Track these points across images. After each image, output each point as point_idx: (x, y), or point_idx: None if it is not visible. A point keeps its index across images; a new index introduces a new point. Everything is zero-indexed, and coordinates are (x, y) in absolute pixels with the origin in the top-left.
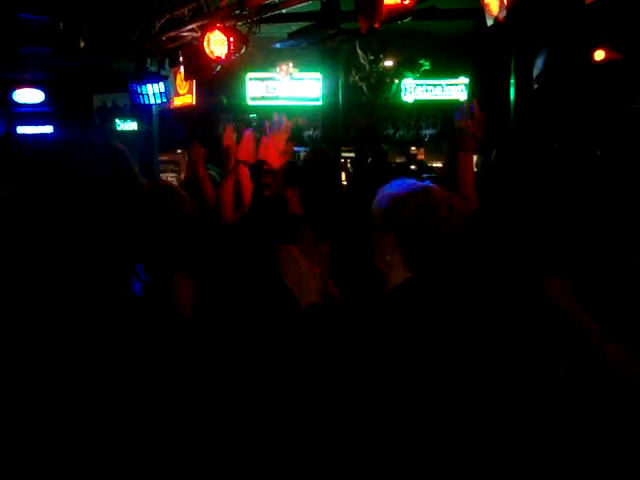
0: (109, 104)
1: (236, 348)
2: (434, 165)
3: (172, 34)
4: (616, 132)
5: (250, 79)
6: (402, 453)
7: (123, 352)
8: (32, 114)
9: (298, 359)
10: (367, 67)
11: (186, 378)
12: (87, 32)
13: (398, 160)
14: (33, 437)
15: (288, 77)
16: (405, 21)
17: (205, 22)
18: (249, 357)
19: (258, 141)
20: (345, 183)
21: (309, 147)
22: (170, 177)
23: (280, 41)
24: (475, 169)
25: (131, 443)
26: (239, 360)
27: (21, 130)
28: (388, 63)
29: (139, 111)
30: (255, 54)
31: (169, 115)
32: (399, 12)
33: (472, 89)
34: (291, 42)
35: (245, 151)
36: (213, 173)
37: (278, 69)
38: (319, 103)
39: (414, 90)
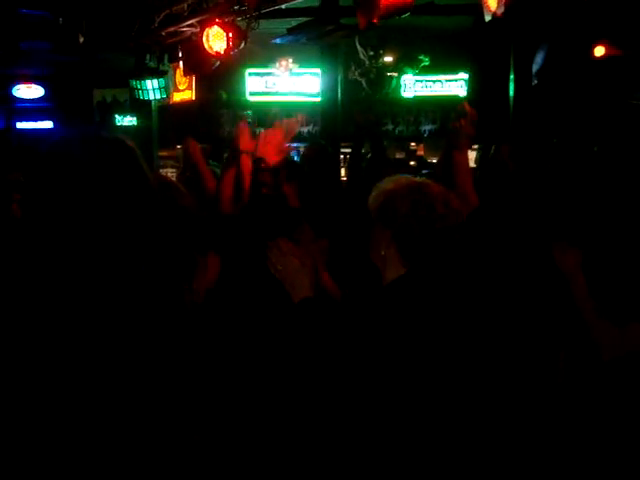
0: (109, 99)
1: (230, 342)
2: (434, 161)
3: (171, 29)
4: (615, 128)
5: (249, 74)
6: (399, 449)
7: (127, 346)
8: (32, 109)
9: (292, 354)
10: (366, 63)
11: (183, 374)
12: (86, 27)
13: (398, 156)
14: (38, 424)
15: (287, 73)
16: (404, 17)
17: (204, 17)
18: (243, 351)
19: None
20: (344, 179)
21: (308, 143)
22: (170, 173)
23: (279, 36)
24: (472, 165)
25: (133, 436)
26: (233, 353)
27: (21, 125)
28: (387, 59)
29: (139, 106)
30: (254, 49)
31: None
32: (397, 8)
33: (471, 85)
34: (290, 38)
35: (247, 141)
36: (215, 169)
37: (277, 64)
38: (318, 99)
39: (413, 86)
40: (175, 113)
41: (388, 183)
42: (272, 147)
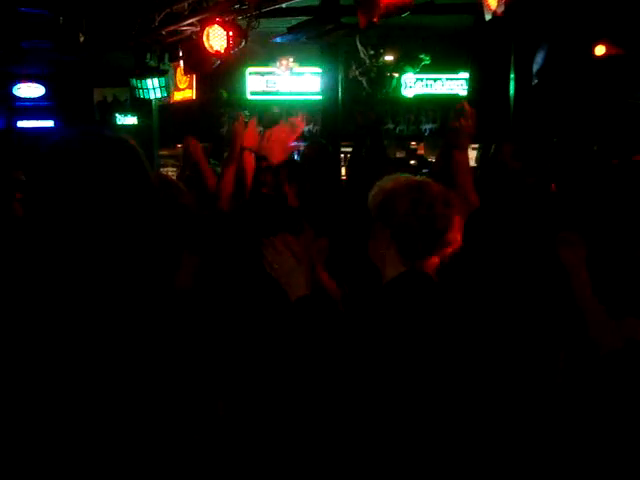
0: (109, 98)
1: (228, 341)
2: (434, 160)
3: (172, 28)
4: (616, 127)
5: (250, 73)
6: (398, 448)
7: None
8: (33, 108)
9: (289, 353)
10: (367, 62)
11: (183, 374)
12: (87, 26)
13: (398, 155)
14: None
15: (288, 72)
16: (404, 16)
17: (204, 16)
18: (241, 349)
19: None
20: (345, 178)
21: (308, 142)
22: (170, 172)
23: (279, 35)
24: (472, 164)
25: (133, 436)
26: (231, 352)
27: (22, 124)
28: (388, 58)
29: (139, 105)
30: (255, 48)
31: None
32: (398, 7)
33: (472, 84)
34: (290, 36)
35: (251, 138)
36: (216, 168)
37: (278, 64)
38: (319, 98)
39: (414, 85)
40: (176, 112)
41: (388, 182)
42: (277, 146)
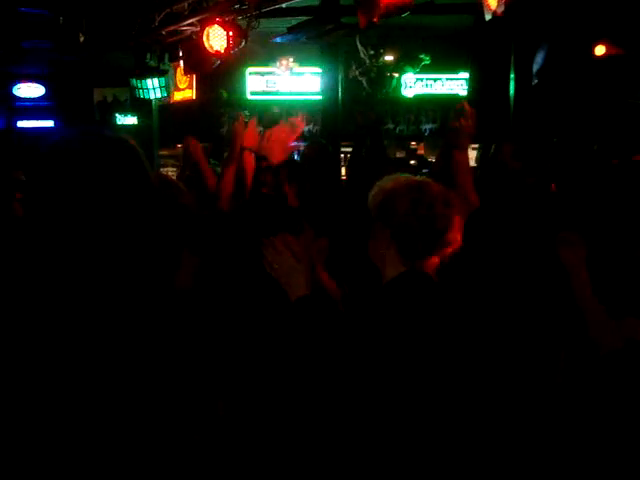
0: (109, 98)
1: (228, 341)
2: (434, 160)
3: (172, 28)
4: (616, 127)
5: (250, 73)
6: (398, 447)
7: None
8: (33, 108)
9: (289, 353)
10: (367, 62)
11: (182, 374)
12: (87, 26)
13: (398, 155)
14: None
15: (288, 72)
16: (404, 16)
17: (204, 16)
18: (241, 350)
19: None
20: (345, 178)
21: (308, 142)
22: (170, 172)
23: (279, 35)
24: (472, 164)
25: (132, 436)
26: (231, 352)
27: (22, 124)
28: (388, 58)
29: (139, 105)
30: (255, 48)
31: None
32: (398, 7)
33: (472, 84)
34: (290, 36)
35: (251, 138)
36: (216, 168)
37: (278, 64)
38: (319, 98)
39: (414, 85)
40: (176, 112)
41: (387, 182)
42: (277, 146)
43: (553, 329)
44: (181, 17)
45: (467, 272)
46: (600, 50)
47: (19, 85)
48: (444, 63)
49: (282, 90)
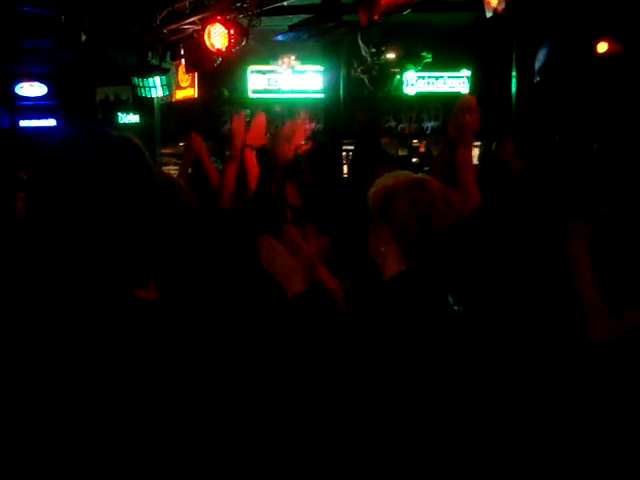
0: (111, 97)
1: (227, 339)
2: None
3: (173, 27)
4: (618, 125)
5: (252, 72)
6: (398, 447)
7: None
8: (35, 107)
9: (287, 351)
10: (369, 60)
11: (182, 373)
12: (88, 25)
13: (400, 153)
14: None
15: (290, 70)
16: (406, 13)
17: (206, 15)
18: (240, 348)
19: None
20: (346, 175)
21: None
22: (172, 170)
23: (281, 33)
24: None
25: (132, 435)
26: (230, 350)
27: (24, 123)
28: (390, 56)
29: (141, 104)
30: (256, 47)
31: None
32: (399, 4)
33: (474, 82)
34: (291, 35)
35: (255, 135)
36: (218, 166)
37: (280, 62)
38: (321, 96)
39: (416, 82)
40: (178, 110)
41: (388, 179)
42: (284, 145)
43: (555, 326)
44: (182, 15)
45: (469, 269)
46: (602, 47)
47: (21, 84)
48: (446, 61)
49: (284, 88)
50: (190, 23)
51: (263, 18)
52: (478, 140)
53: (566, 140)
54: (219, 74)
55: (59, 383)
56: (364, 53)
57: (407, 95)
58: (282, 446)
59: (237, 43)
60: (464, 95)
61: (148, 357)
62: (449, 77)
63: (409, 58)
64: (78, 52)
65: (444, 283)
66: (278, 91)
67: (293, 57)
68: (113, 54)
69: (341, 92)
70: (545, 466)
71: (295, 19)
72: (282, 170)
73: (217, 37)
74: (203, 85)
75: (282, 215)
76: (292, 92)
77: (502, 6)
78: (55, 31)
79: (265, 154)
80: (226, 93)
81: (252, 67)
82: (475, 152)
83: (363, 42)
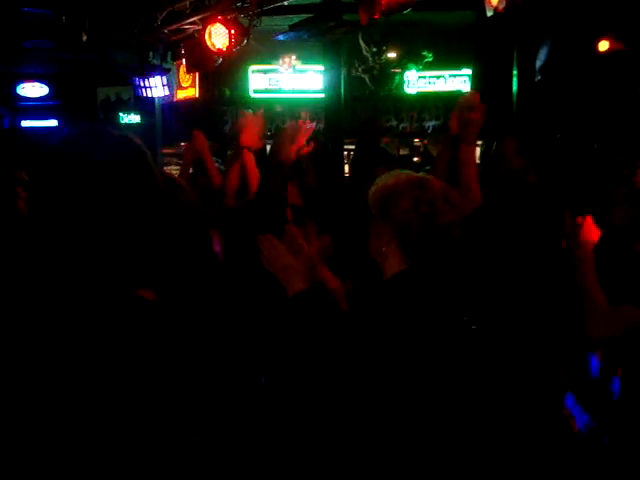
0: (113, 97)
1: (228, 338)
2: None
3: (174, 27)
4: (620, 123)
5: (253, 71)
6: (398, 446)
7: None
8: (36, 108)
9: (288, 350)
10: (370, 59)
11: (182, 373)
12: (89, 25)
13: (402, 152)
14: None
15: (291, 70)
16: (406, 12)
17: (206, 15)
18: (241, 347)
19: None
20: (348, 175)
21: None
22: (174, 170)
23: (281, 33)
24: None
25: (132, 435)
26: (231, 350)
27: (26, 124)
28: (391, 55)
29: (142, 104)
30: (257, 46)
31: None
32: (399, 4)
33: (474, 81)
34: (292, 34)
35: (250, 136)
36: (220, 166)
37: (281, 61)
38: (322, 95)
39: (417, 82)
40: (179, 110)
41: (388, 178)
42: (287, 146)
43: (556, 325)
44: (183, 16)
45: (470, 269)
46: (604, 46)
47: (23, 85)
48: (447, 60)
49: (285, 88)
50: (191, 23)
51: (264, 18)
52: (479, 139)
53: (567, 139)
54: (220, 74)
55: (61, 380)
56: (365, 52)
57: (408, 94)
58: (282, 443)
59: (238, 43)
60: (467, 92)
61: (150, 356)
62: (450, 76)
63: (410, 57)
64: (79, 52)
65: (445, 282)
66: (279, 91)
67: (294, 57)
68: (114, 54)
69: (342, 91)
70: (545, 466)
71: (296, 19)
72: (287, 170)
73: (218, 37)
74: (204, 85)
75: (283, 215)
76: (293, 92)
77: (503, 5)
78: (56, 31)
79: (265, 155)
80: (227, 93)
81: (253, 67)
82: (477, 151)
83: (364, 41)
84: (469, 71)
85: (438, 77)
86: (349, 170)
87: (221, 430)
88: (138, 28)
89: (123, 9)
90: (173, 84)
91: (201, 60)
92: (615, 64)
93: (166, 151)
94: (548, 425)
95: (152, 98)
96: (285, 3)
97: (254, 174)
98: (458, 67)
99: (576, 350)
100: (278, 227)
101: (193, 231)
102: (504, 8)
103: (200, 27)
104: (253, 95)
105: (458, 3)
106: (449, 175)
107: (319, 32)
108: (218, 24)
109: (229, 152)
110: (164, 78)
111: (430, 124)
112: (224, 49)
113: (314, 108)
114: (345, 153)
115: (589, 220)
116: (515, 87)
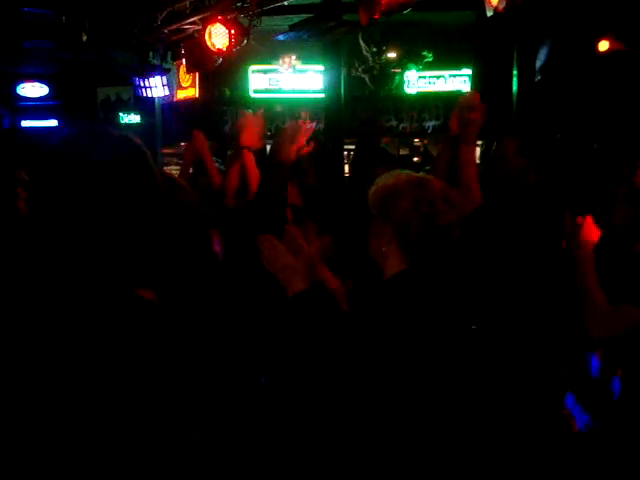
0: (113, 97)
1: (228, 338)
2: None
3: (174, 27)
4: (620, 123)
5: (253, 71)
6: (399, 445)
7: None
8: (36, 108)
9: (288, 350)
10: (370, 59)
11: (182, 373)
12: (89, 25)
13: (402, 152)
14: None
15: (291, 69)
16: (406, 12)
17: (206, 15)
18: (241, 347)
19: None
20: (348, 175)
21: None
22: (174, 170)
23: (281, 33)
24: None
25: (132, 435)
26: (231, 349)
27: (26, 124)
28: (391, 55)
29: (142, 104)
30: (257, 46)
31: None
32: (399, 4)
33: (475, 81)
34: (292, 34)
35: (250, 136)
36: (220, 166)
37: (281, 61)
38: (322, 95)
39: (417, 82)
40: (179, 110)
41: (388, 178)
42: (287, 146)
43: (556, 324)
44: (183, 16)
45: (470, 269)
46: (604, 46)
47: (23, 85)
48: (447, 60)
49: (285, 88)
50: (191, 23)
51: (264, 18)
52: (479, 139)
53: (567, 139)
54: (220, 74)
55: (61, 380)
56: (365, 52)
57: (408, 94)
58: (282, 443)
59: (238, 43)
60: (467, 92)
61: (150, 356)
62: (450, 76)
63: (410, 57)
64: (79, 52)
65: (445, 282)
66: (279, 91)
67: (294, 57)
68: (114, 54)
69: (342, 91)
70: (545, 466)
71: (296, 19)
72: (287, 170)
73: (218, 37)
74: (204, 85)
75: (283, 215)
76: (293, 92)
77: (503, 5)
78: (56, 31)
79: (265, 155)
80: (227, 93)
81: (253, 67)
82: (477, 151)
83: (364, 41)
84: (469, 71)
85: (438, 77)
86: (349, 170)
87: (221, 430)
88: (138, 28)
89: (123, 9)
90: (173, 84)
91: (201, 60)
92: (615, 64)
93: (166, 151)
94: (548, 425)
95: (152, 98)
96: (285, 3)
97: (254, 174)
98: (458, 67)
99: (576, 350)
100: (278, 227)
101: (193, 231)
102: (504, 8)
103: (200, 27)
104: (253, 95)
105: (458, 3)
106: (449, 175)
107: (319, 32)
108: (218, 24)
109: (229, 152)
110: (164, 78)
111: (430, 124)
112: (224, 49)
113: (314, 108)
114: (345, 153)
115: (589, 220)
116: (515, 87)
